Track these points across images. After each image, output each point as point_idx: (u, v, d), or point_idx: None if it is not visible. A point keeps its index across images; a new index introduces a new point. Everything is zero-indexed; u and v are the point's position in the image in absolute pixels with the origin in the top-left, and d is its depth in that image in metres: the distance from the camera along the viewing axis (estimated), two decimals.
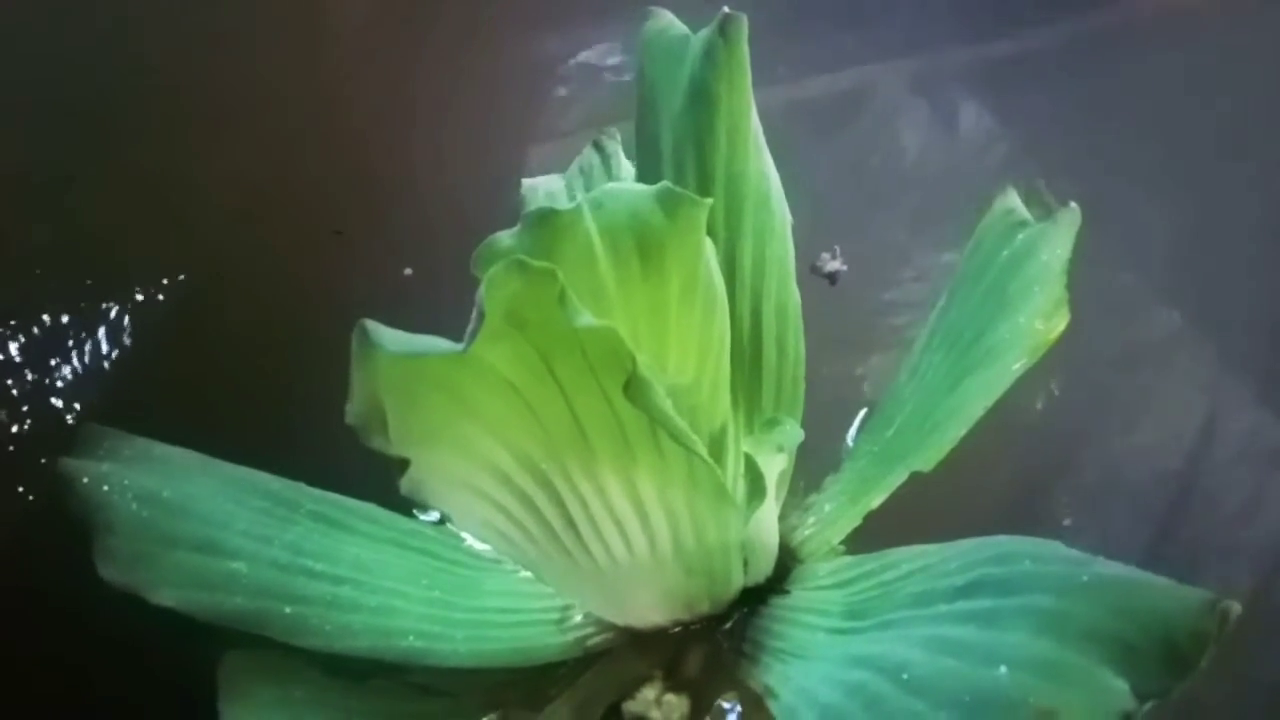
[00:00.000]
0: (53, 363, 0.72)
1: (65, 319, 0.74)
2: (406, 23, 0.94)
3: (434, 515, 0.54)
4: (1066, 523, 0.60)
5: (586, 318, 0.34)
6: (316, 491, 0.49)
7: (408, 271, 0.75)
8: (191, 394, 0.68)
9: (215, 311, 0.75)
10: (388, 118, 0.88)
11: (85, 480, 0.42)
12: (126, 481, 0.43)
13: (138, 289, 0.75)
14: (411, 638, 0.45)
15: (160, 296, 0.75)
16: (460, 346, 0.34)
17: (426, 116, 0.88)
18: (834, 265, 0.64)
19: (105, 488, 0.42)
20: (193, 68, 0.86)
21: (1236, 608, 0.29)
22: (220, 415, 0.64)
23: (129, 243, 0.78)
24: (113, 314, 0.74)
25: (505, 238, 0.38)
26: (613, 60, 0.93)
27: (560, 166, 0.63)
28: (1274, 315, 0.69)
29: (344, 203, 0.80)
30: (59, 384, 0.71)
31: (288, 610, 0.43)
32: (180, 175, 0.80)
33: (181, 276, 0.76)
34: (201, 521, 0.43)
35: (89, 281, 0.76)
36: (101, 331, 0.73)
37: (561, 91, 0.92)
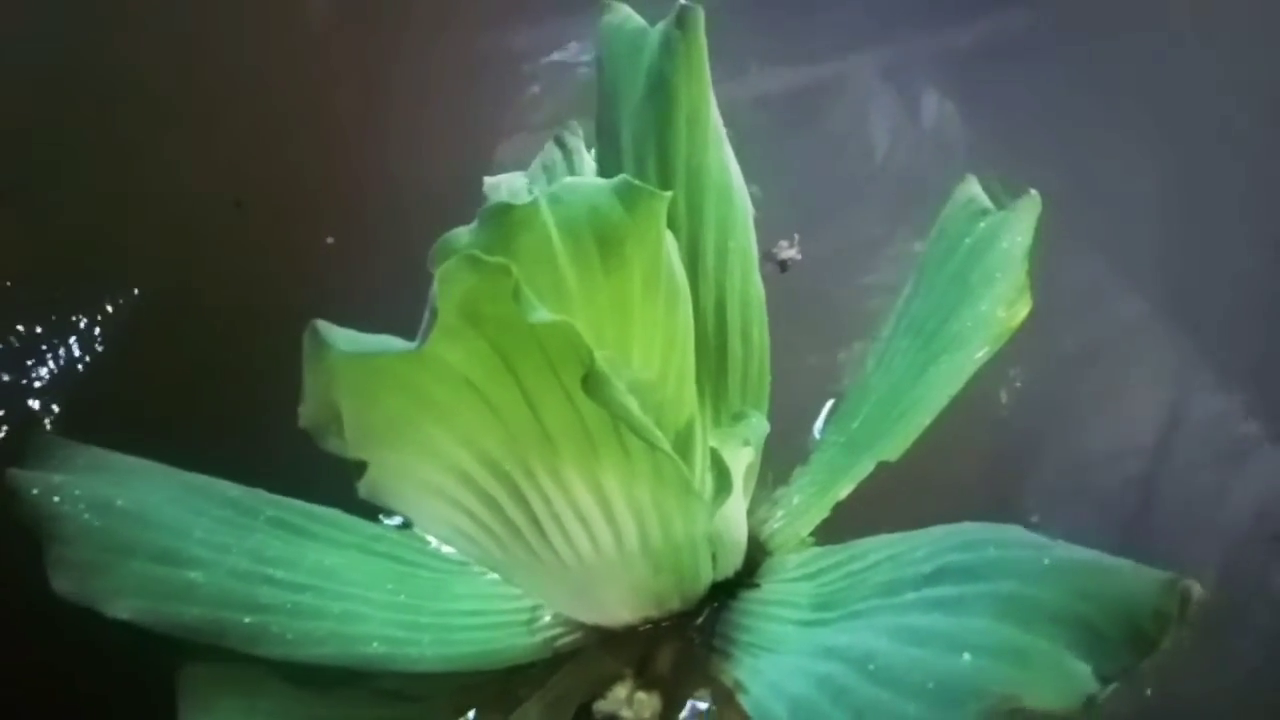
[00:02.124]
0: (14, 373, 0.70)
1: (34, 328, 0.72)
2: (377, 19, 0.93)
3: (398, 519, 0.53)
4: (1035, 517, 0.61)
5: (542, 313, 0.34)
6: (277, 498, 0.48)
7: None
8: (155, 401, 0.66)
9: (186, 316, 0.73)
10: (363, 114, 0.87)
11: (35, 491, 0.41)
12: (78, 491, 0.42)
13: (104, 296, 0.74)
14: (376, 644, 0.44)
15: (129, 300, 0.74)
16: (414, 345, 0.33)
17: (400, 113, 0.87)
18: (789, 253, 0.64)
19: (56, 498, 0.41)
20: (162, 69, 0.85)
21: (1197, 587, 0.30)
22: (184, 423, 0.63)
23: (97, 247, 0.76)
24: (78, 322, 0.73)
25: (462, 234, 0.38)
26: (585, 57, 0.93)
27: (527, 162, 0.63)
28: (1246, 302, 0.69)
29: (322, 201, 0.79)
30: (20, 393, 0.69)
31: (248, 620, 0.42)
32: (150, 176, 0.79)
33: (148, 280, 0.75)
34: (157, 530, 0.42)
35: (56, 289, 0.75)
36: (68, 339, 0.72)
37: (533, 88, 0.92)
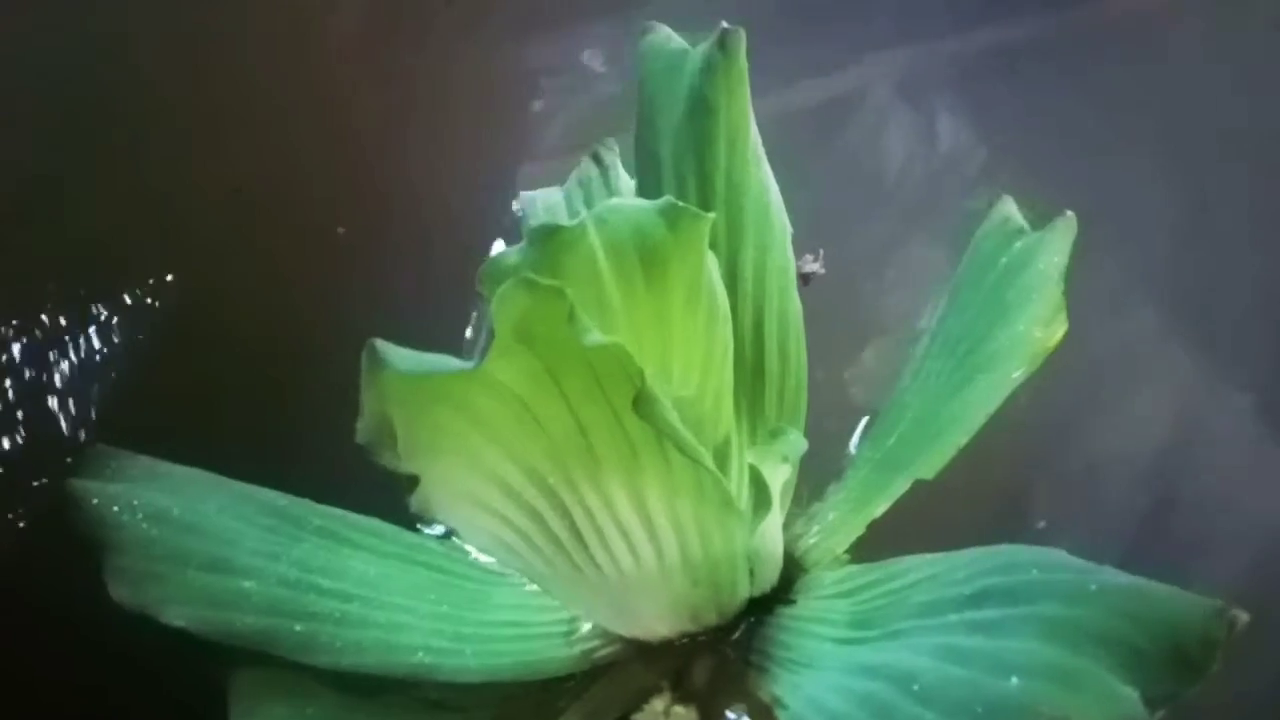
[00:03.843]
0: (50, 377, 0.71)
1: (63, 327, 0.73)
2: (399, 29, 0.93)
3: (439, 530, 0.54)
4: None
5: (595, 335, 0.35)
6: (323, 508, 0.49)
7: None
8: (193, 408, 0.67)
9: (212, 322, 0.74)
10: (383, 123, 0.88)
11: (95, 501, 0.42)
12: (136, 501, 0.43)
13: (134, 299, 0.75)
14: (421, 653, 0.45)
15: (157, 306, 0.75)
16: (470, 365, 0.34)
17: (421, 123, 0.88)
18: (812, 267, 0.64)
19: (115, 508, 0.42)
20: (186, 74, 0.86)
21: (1244, 616, 0.30)
22: (223, 430, 0.64)
23: (126, 250, 0.77)
24: (110, 326, 0.74)
25: (511, 254, 0.39)
26: (602, 68, 0.94)
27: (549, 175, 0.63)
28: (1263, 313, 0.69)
29: (341, 206, 0.80)
30: (56, 399, 0.71)
31: (298, 628, 0.43)
32: (173, 182, 0.80)
33: (178, 286, 0.76)
34: (211, 540, 0.43)
35: (83, 290, 0.76)
36: (100, 344, 0.73)
37: (550, 99, 0.92)
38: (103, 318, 0.74)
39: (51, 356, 0.71)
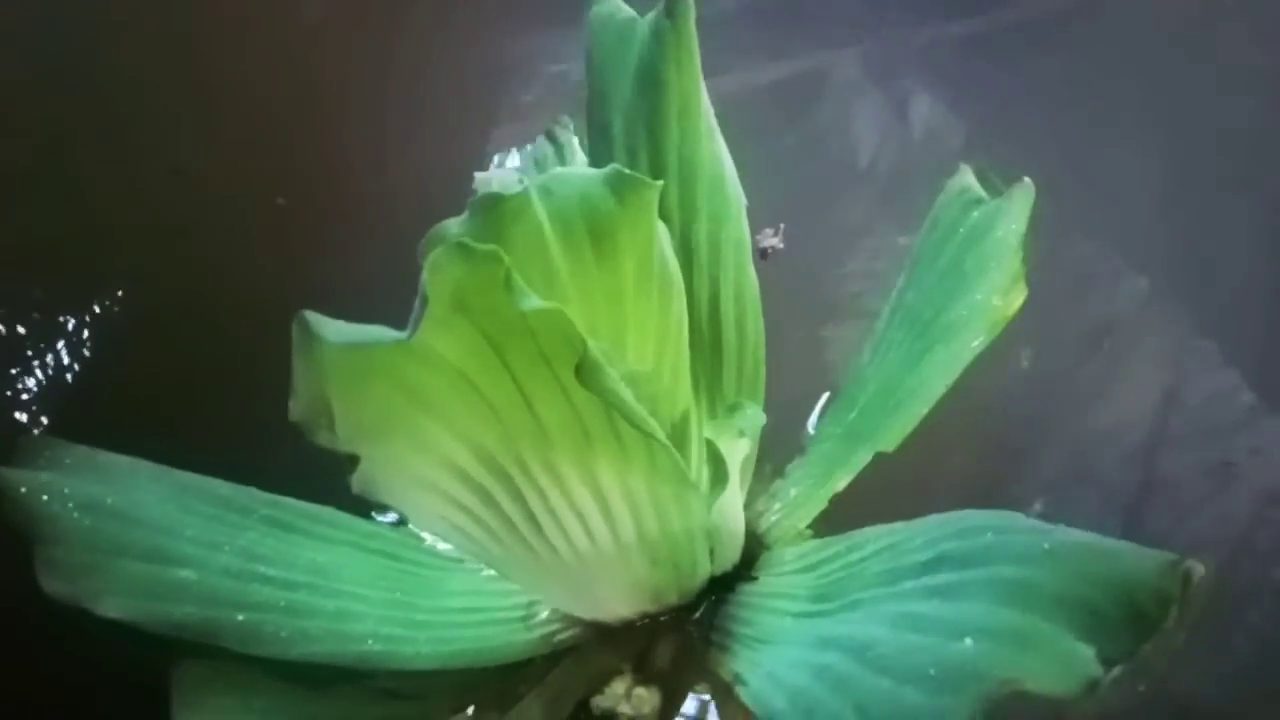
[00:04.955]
0: (10, 369, 0.69)
1: (18, 327, 0.72)
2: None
3: (393, 516, 0.53)
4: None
5: (533, 300, 0.34)
6: (270, 496, 0.47)
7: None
8: (148, 400, 0.66)
9: (184, 311, 0.73)
10: (361, 116, 0.87)
11: (23, 490, 0.41)
12: (67, 490, 0.41)
13: (92, 295, 0.73)
14: (371, 641, 0.44)
15: (118, 298, 0.73)
16: (404, 335, 0.33)
17: (396, 112, 0.87)
18: (771, 241, 0.63)
19: (45, 497, 0.41)
20: (162, 64, 0.84)
21: (1200, 568, 0.29)
22: (177, 422, 0.62)
23: (84, 247, 0.76)
24: (65, 321, 0.72)
25: (452, 224, 0.37)
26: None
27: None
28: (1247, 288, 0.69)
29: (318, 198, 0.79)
30: (10, 395, 0.69)
31: (241, 618, 0.41)
32: (146, 170, 0.78)
33: (146, 273, 0.74)
34: (148, 529, 0.42)
35: (41, 288, 0.74)
36: (56, 340, 0.71)
37: (528, 93, 0.92)
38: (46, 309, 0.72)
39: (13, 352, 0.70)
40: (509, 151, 0.85)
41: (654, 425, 0.39)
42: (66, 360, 0.70)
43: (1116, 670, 0.29)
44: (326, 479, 0.45)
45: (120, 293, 0.74)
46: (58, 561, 0.40)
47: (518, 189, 0.38)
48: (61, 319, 0.72)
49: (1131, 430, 0.63)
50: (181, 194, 0.78)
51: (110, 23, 0.87)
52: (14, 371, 0.69)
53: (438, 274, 0.33)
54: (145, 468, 0.46)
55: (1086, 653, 0.29)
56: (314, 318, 0.34)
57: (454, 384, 0.37)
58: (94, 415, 0.65)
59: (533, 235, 0.39)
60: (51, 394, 0.68)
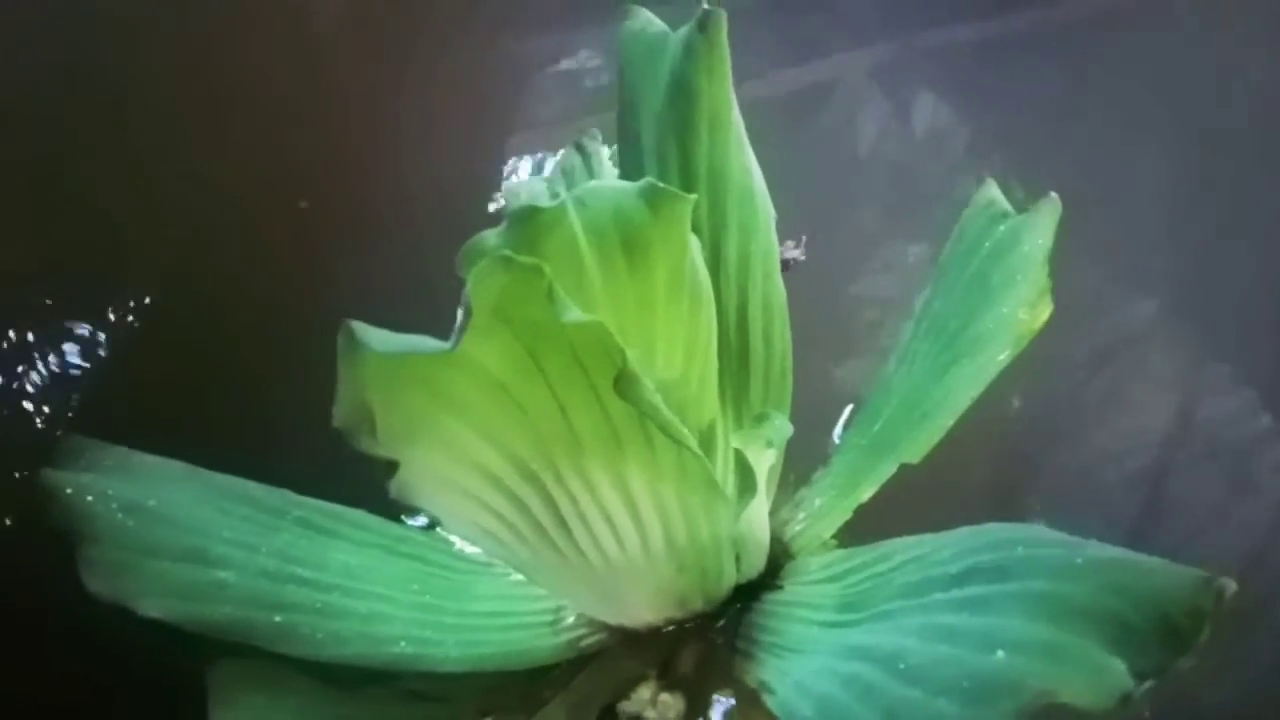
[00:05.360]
0: (29, 373, 0.70)
1: (42, 328, 0.73)
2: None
3: (422, 520, 0.53)
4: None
5: (575, 313, 0.34)
6: (302, 498, 0.48)
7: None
8: (174, 402, 0.67)
9: (204, 315, 0.74)
10: (378, 119, 0.88)
11: (69, 491, 0.41)
12: (110, 491, 0.42)
13: (117, 297, 0.74)
14: (402, 644, 0.44)
15: (145, 301, 0.74)
16: (448, 345, 0.34)
17: (410, 120, 0.88)
18: (793, 253, 0.63)
19: (89, 498, 0.41)
20: (180, 64, 0.85)
21: (1232, 585, 0.30)
22: (207, 424, 0.63)
23: (109, 248, 0.77)
24: (90, 321, 0.73)
25: (490, 236, 0.38)
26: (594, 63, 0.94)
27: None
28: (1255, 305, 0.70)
29: (334, 200, 0.80)
30: (35, 396, 0.70)
31: (276, 619, 0.42)
32: (163, 171, 0.79)
33: (167, 277, 0.75)
34: (187, 530, 0.43)
35: (64, 289, 0.75)
36: (80, 339, 0.72)
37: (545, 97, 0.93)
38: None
39: (39, 353, 0.71)
40: (523, 158, 0.86)
41: (686, 434, 0.39)
42: (86, 365, 0.71)
43: (1149, 684, 0.29)
44: (344, 482, 0.46)
45: (147, 299, 0.75)
46: (100, 561, 0.40)
47: (553, 201, 0.39)
48: (81, 324, 0.73)
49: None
50: (201, 199, 0.79)
51: (128, 27, 0.88)
52: (34, 377, 0.70)
53: (481, 285, 0.34)
54: (181, 469, 0.46)
55: (1119, 666, 0.29)
56: (359, 327, 0.34)
57: (492, 392, 0.37)
58: (113, 420, 0.66)
59: (567, 246, 0.39)
60: (70, 399, 0.69)
